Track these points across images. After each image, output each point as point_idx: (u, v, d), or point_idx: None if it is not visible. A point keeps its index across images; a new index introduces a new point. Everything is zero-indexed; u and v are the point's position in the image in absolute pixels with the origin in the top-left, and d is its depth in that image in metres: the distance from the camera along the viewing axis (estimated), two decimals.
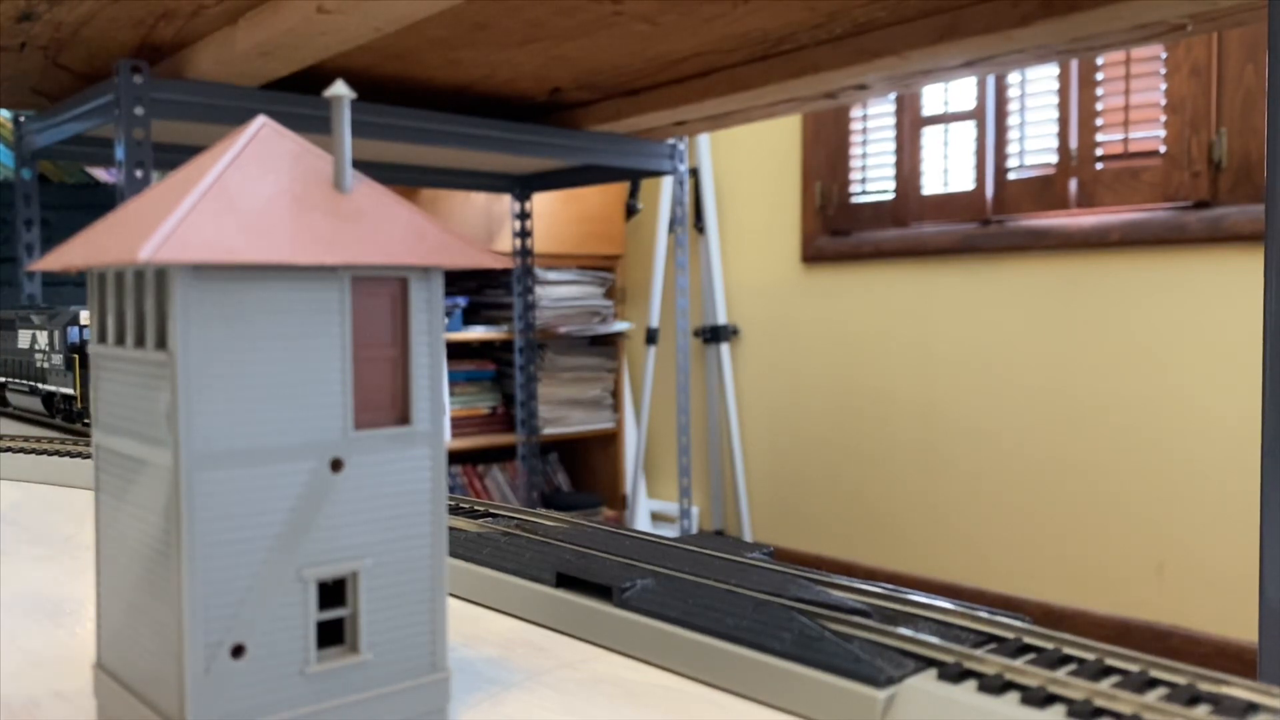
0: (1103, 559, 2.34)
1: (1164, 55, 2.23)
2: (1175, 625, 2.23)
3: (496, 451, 3.01)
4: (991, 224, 2.54)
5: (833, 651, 0.41)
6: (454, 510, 0.70)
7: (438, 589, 0.39)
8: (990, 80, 2.55)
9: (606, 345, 3.12)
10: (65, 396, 1.12)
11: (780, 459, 3.03)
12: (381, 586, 0.37)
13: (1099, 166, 2.35)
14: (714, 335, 3.10)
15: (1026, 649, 0.42)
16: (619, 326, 3.09)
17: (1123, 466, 2.30)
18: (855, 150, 2.86)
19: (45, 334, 1.15)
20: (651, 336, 3.06)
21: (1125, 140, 2.32)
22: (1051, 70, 2.42)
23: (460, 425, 2.88)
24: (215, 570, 0.33)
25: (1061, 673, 0.38)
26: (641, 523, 3.11)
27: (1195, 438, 2.19)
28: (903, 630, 0.43)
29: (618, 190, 3.13)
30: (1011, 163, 2.53)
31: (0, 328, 1.29)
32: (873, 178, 2.83)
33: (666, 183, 2.92)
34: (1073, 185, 2.39)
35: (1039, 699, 0.37)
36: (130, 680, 0.37)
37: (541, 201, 2.90)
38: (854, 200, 2.85)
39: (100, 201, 2.37)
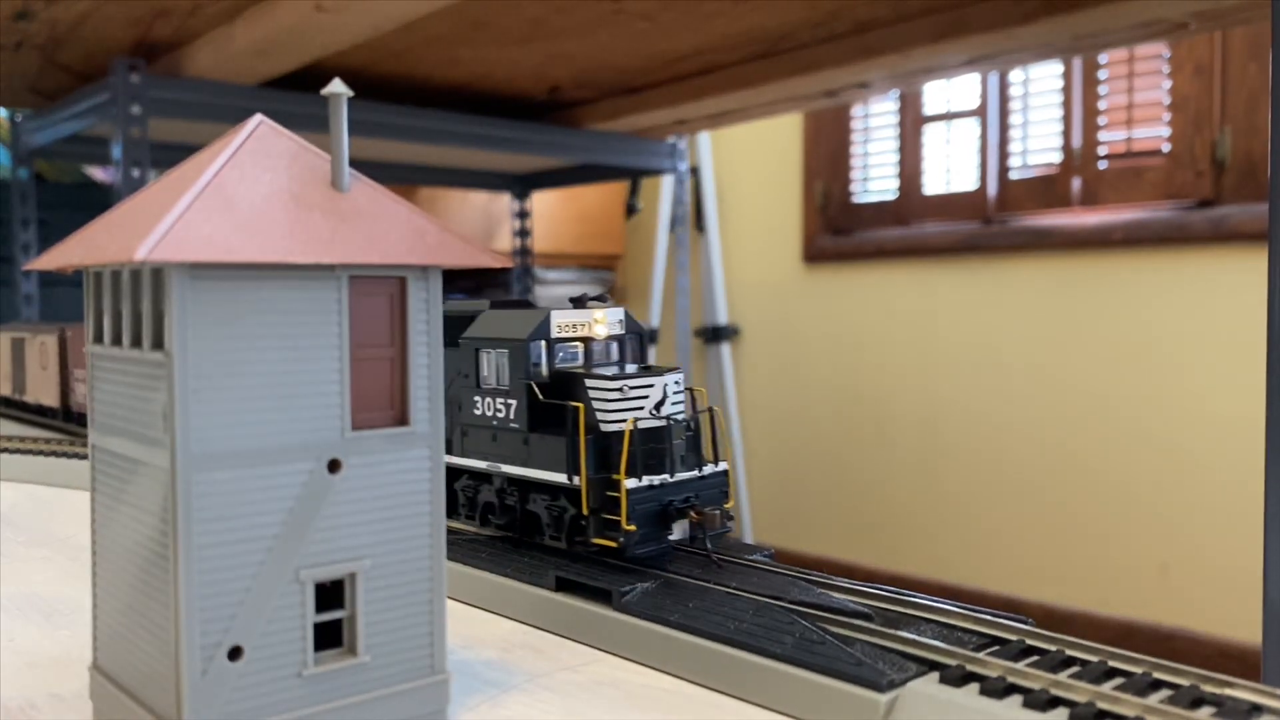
0: (1106, 560, 2.34)
1: (1167, 54, 2.23)
2: (1179, 627, 2.23)
3: None
4: (994, 223, 2.53)
5: (834, 655, 0.41)
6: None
7: (437, 591, 0.38)
8: (993, 78, 2.54)
9: None
10: (552, 491, 0.56)
11: (781, 459, 3.02)
12: (380, 588, 0.37)
13: (1102, 165, 2.35)
14: (715, 335, 3.10)
15: (1029, 651, 0.42)
16: None
17: (1125, 467, 2.30)
18: (856, 149, 2.86)
19: (490, 358, 0.64)
20: (652, 336, 3.05)
21: (1128, 139, 2.31)
22: (1055, 68, 2.42)
23: None
24: (212, 572, 0.33)
25: (1064, 675, 0.38)
26: None
27: (1199, 438, 2.19)
28: (904, 633, 0.43)
29: (617, 189, 3.12)
30: (1014, 161, 2.52)
31: None
32: (874, 177, 2.82)
33: (667, 182, 2.92)
34: (1076, 184, 2.39)
35: (1042, 702, 0.36)
36: (127, 682, 0.36)
37: (541, 201, 2.90)
38: (855, 199, 2.85)
39: (97, 201, 2.37)
